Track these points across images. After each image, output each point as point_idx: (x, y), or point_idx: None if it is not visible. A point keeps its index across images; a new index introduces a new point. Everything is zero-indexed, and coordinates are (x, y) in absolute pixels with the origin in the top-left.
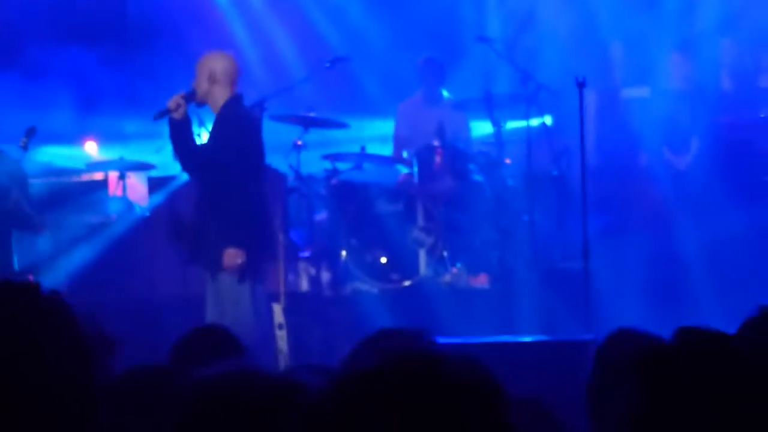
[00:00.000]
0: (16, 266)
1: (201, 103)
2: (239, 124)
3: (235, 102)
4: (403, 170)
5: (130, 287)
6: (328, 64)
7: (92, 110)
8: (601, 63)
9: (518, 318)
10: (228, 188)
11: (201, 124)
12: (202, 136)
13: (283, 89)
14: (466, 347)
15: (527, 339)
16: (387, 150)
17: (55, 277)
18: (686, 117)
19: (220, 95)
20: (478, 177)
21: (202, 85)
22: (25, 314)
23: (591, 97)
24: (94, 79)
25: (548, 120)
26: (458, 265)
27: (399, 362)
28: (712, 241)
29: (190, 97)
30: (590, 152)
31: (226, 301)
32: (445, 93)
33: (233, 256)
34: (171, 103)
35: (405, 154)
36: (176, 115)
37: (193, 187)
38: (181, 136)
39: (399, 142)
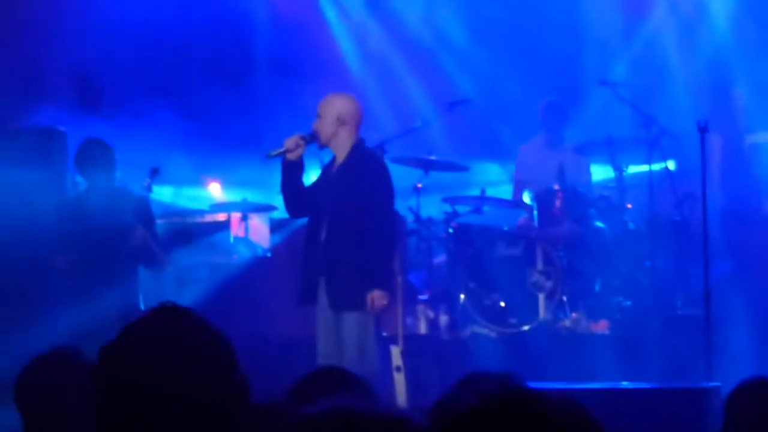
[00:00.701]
0: (142, 305)
1: (323, 146)
2: (380, 168)
3: (363, 146)
4: (523, 214)
5: (250, 326)
6: (449, 107)
7: (216, 151)
8: (725, 107)
9: (639, 364)
10: (371, 230)
11: (321, 165)
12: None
13: (404, 131)
14: (573, 392)
15: (647, 386)
16: (507, 193)
17: None
18: None
19: (345, 138)
20: (598, 221)
21: (327, 128)
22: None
23: (716, 142)
24: (218, 120)
25: (671, 165)
26: (578, 310)
27: (499, 402)
28: None
29: (312, 138)
30: (714, 197)
31: (349, 342)
32: (566, 136)
33: (380, 298)
34: (289, 143)
35: (525, 197)
36: (292, 156)
37: (317, 228)
38: (293, 177)
39: (519, 186)
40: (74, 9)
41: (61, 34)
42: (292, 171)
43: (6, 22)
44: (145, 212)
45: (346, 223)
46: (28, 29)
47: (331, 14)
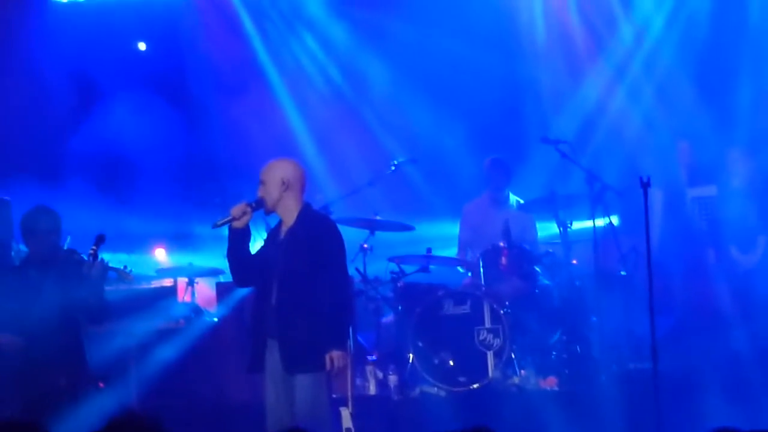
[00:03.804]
0: (89, 369)
1: (270, 211)
2: (331, 229)
3: (311, 210)
4: (469, 272)
5: (199, 392)
6: (393, 168)
7: (161, 217)
8: (667, 162)
9: (588, 420)
10: (328, 293)
11: (268, 230)
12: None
13: (348, 193)
14: None
15: None
16: (453, 252)
17: (125, 382)
18: (754, 216)
19: (292, 202)
20: (545, 278)
21: (272, 193)
22: None
23: (657, 196)
24: (163, 187)
25: (615, 220)
26: (527, 367)
27: None
28: None
29: (258, 205)
30: (657, 251)
31: (302, 404)
32: (510, 195)
33: (340, 358)
34: (236, 211)
35: (469, 256)
36: (238, 224)
37: (267, 293)
38: (239, 245)
39: (463, 244)
40: None
41: None
42: (238, 239)
43: None
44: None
45: (298, 286)
46: None
47: (273, 76)
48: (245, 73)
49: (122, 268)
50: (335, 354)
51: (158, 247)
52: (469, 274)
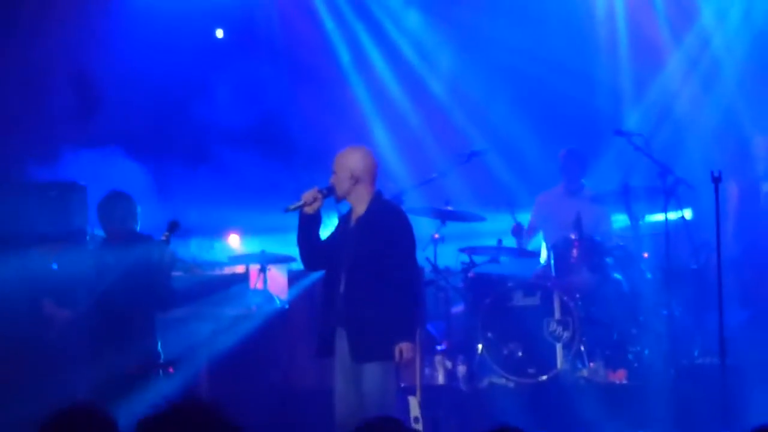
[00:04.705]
0: (162, 355)
1: (341, 199)
2: (401, 220)
3: (381, 198)
4: (540, 263)
5: (270, 377)
6: (466, 158)
7: (236, 203)
8: (743, 156)
9: (656, 414)
10: (397, 283)
11: (339, 216)
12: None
13: (421, 182)
14: None
15: None
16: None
17: (196, 367)
18: None
19: (363, 192)
20: (615, 271)
21: (343, 183)
22: None
23: (732, 190)
24: (237, 173)
25: (687, 214)
26: (596, 360)
27: None
28: None
29: (329, 192)
30: (730, 246)
31: (370, 393)
32: (585, 185)
33: (408, 350)
34: (307, 197)
35: (543, 249)
36: (309, 210)
37: (336, 280)
38: (310, 230)
39: (532, 230)
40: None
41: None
42: (309, 224)
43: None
44: (164, 262)
45: (367, 275)
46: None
47: (348, 65)
48: (320, 59)
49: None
50: (404, 345)
51: (232, 233)
52: (542, 262)
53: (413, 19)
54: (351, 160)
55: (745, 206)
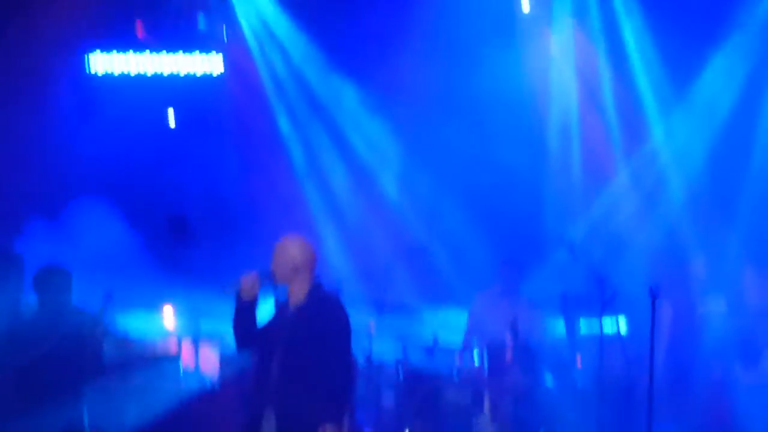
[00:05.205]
0: (86, 423)
1: (279, 286)
2: (338, 310)
3: (321, 288)
4: (473, 362)
5: None
6: (409, 252)
7: (171, 279)
8: (680, 274)
9: None
10: (329, 370)
11: (277, 300)
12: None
13: (360, 273)
14: None
15: None
16: (459, 338)
17: None
18: (762, 333)
19: (302, 281)
20: (547, 376)
21: (283, 271)
22: None
23: (666, 309)
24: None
25: (623, 326)
26: None
27: None
28: None
29: (268, 278)
30: (662, 363)
31: None
32: (521, 290)
33: None
34: (245, 281)
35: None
36: (248, 294)
37: (268, 363)
38: (246, 314)
39: (470, 333)
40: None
41: None
42: (246, 308)
43: None
44: (96, 334)
45: (300, 360)
46: None
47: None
48: (268, 146)
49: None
50: (329, 427)
51: (167, 306)
52: (475, 363)
53: (371, 123)
54: (291, 250)
55: (678, 324)
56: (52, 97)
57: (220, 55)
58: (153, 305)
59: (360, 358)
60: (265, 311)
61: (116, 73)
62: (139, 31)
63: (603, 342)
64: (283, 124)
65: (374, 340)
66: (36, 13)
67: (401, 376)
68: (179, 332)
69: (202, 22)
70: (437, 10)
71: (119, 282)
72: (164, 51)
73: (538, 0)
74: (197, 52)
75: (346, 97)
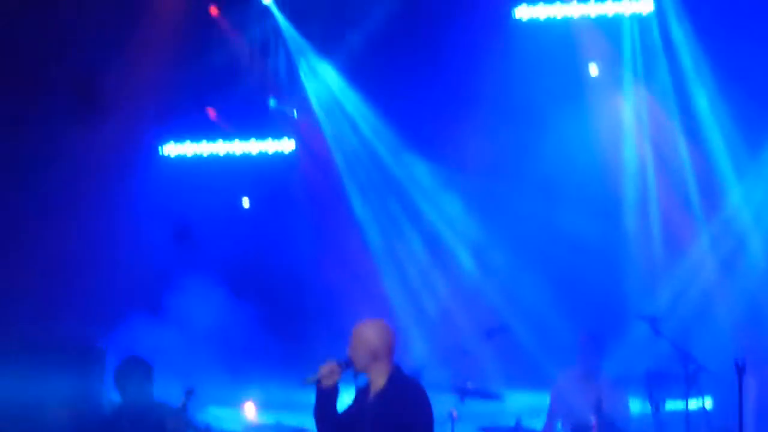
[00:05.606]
0: None
1: (359, 373)
2: (419, 397)
3: (401, 374)
4: None
5: None
6: (488, 334)
7: (250, 374)
8: (764, 346)
9: None
10: None
11: (357, 387)
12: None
13: (440, 358)
14: None
15: None
16: (542, 422)
17: None
18: None
19: (381, 367)
20: None
21: (361, 359)
22: None
23: (750, 383)
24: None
25: (708, 402)
26: None
27: None
28: None
29: (347, 365)
30: None
31: None
32: (603, 368)
33: None
34: (324, 370)
35: (559, 426)
36: (327, 383)
37: None
38: (327, 404)
39: (552, 416)
40: None
41: None
42: (326, 397)
43: None
44: (178, 429)
45: None
46: None
47: (374, 238)
48: (342, 224)
49: (204, 428)
50: None
51: (248, 403)
52: None
53: (447, 199)
54: (369, 335)
55: (764, 400)
56: (128, 189)
57: (293, 140)
58: (233, 400)
59: None
60: (346, 399)
61: (189, 155)
62: (211, 116)
63: (689, 418)
64: (356, 201)
65: (456, 425)
66: (109, 108)
67: None
68: (261, 426)
69: (273, 103)
70: (503, 80)
71: (199, 376)
72: (237, 139)
73: (606, 63)
74: (269, 139)
75: (417, 172)
